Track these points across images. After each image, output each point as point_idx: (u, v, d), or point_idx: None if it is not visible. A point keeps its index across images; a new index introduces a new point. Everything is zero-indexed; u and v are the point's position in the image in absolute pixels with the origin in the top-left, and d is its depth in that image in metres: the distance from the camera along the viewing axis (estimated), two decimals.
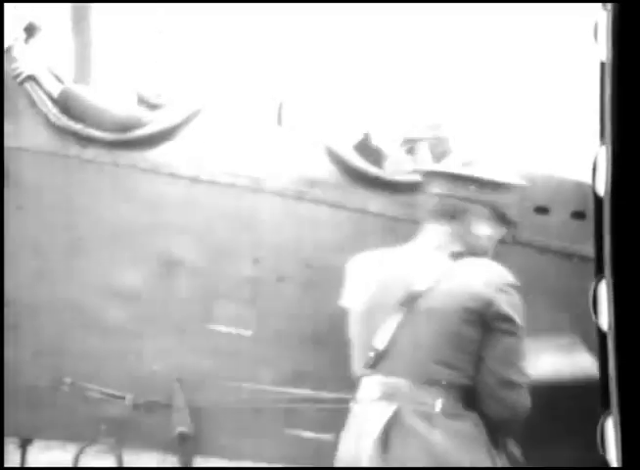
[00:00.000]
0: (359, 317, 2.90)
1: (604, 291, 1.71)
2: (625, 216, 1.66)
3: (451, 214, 2.85)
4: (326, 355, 3.56)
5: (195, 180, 3.65)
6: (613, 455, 1.63)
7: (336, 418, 3.40)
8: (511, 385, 2.66)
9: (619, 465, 1.61)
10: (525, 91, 3.92)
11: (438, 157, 3.81)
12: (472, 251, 2.88)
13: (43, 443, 3.84)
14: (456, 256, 2.84)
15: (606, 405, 1.66)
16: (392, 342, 2.79)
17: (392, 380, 2.78)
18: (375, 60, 3.98)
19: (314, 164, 3.66)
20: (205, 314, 3.69)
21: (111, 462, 3.74)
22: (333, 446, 3.62)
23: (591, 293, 1.76)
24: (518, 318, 2.69)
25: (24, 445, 3.84)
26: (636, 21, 1.60)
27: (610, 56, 1.63)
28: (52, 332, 3.74)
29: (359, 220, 3.63)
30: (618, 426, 1.62)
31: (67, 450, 3.78)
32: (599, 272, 1.73)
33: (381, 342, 2.80)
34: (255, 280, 3.65)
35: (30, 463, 3.82)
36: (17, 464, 3.81)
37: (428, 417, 2.69)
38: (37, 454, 3.83)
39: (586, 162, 1.79)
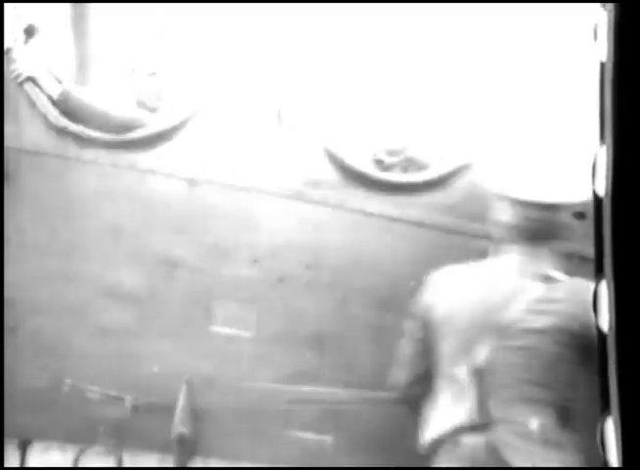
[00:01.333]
0: (446, 334, 2.83)
1: (604, 291, 1.71)
2: (626, 217, 1.66)
3: (543, 236, 2.81)
4: (325, 357, 3.57)
5: (194, 181, 3.65)
6: (613, 455, 1.63)
7: (335, 419, 3.41)
8: None
9: (619, 465, 1.61)
10: (524, 91, 3.91)
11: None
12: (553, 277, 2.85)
13: (43, 444, 3.83)
14: (548, 279, 2.81)
15: (606, 406, 1.66)
16: (487, 362, 2.76)
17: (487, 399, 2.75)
18: (374, 60, 3.98)
19: (313, 165, 3.66)
20: (205, 315, 3.69)
21: (110, 463, 3.73)
22: (333, 447, 3.63)
23: (591, 293, 1.76)
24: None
25: (24, 446, 3.83)
26: (636, 21, 1.60)
27: (609, 56, 1.63)
28: (51, 333, 3.74)
29: (358, 221, 3.63)
30: (619, 426, 1.62)
31: (66, 452, 3.78)
32: (599, 272, 1.73)
33: (476, 362, 2.76)
34: (255, 281, 3.65)
35: (30, 464, 3.82)
36: (16, 465, 3.80)
37: (526, 436, 2.68)
38: (37, 456, 3.83)
39: (586, 162, 1.79)
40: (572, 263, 3.58)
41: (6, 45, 3.62)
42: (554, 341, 2.70)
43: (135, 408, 3.73)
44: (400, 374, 2.90)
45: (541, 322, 2.70)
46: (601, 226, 1.71)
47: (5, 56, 3.63)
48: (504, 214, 2.82)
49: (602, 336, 1.71)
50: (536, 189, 2.71)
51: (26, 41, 3.72)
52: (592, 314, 2.65)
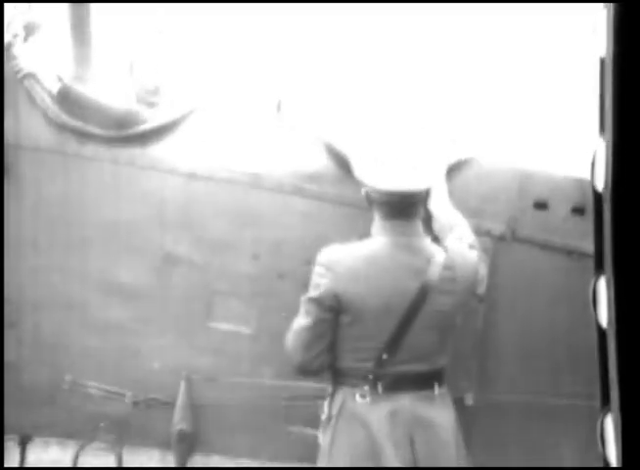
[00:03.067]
0: (363, 315, 2.95)
1: (604, 287, 1.70)
2: (625, 212, 1.65)
3: (416, 209, 3.03)
4: None
5: (193, 176, 3.64)
6: (612, 454, 1.63)
7: None
8: None
9: (619, 465, 1.61)
10: (524, 87, 3.91)
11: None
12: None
13: (43, 440, 3.83)
14: (435, 240, 3.11)
15: (606, 403, 1.66)
16: (402, 341, 2.94)
17: (398, 374, 2.96)
18: (374, 56, 3.97)
19: (313, 160, 3.66)
20: (205, 311, 3.69)
21: (110, 460, 3.74)
22: None
23: (591, 289, 1.76)
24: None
25: (24, 442, 3.84)
26: (636, 17, 1.60)
27: (609, 52, 1.63)
28: (51, 329, 3.75)
29: (358, 216, 3.62)
30: (619, 424, 1.62)
31: (66, 448, 3.78)
32: (599, 268, 1.73)
33: (391, 338, 2.94)
34: (255, 277, 3.65)
35: (30, 461, 3.82)
36: (16, 462, 3.81)
37: (431, 399, 3.01)
38: (37, 452, 3.83)
39: (585, 157, 1.79)
40: (572, 259, 3.59)
41: (6, 42, 3.62)
42: (454, 312, 3.05)
43: (135, 405, 3.73)
44: (302, 353, 2.97)
45: (447, 296, 2.98)
46: (600, 222, 1.71)
47: (5, 52, 3.62)
48: (377, 199, 3.01)
49: (602, 332, 1.71)
50: (392, 180, 2.94)
51: (26, 38, 3.72)
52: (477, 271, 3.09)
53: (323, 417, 3.10)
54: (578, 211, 3.59)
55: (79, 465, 3.74)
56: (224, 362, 3.65)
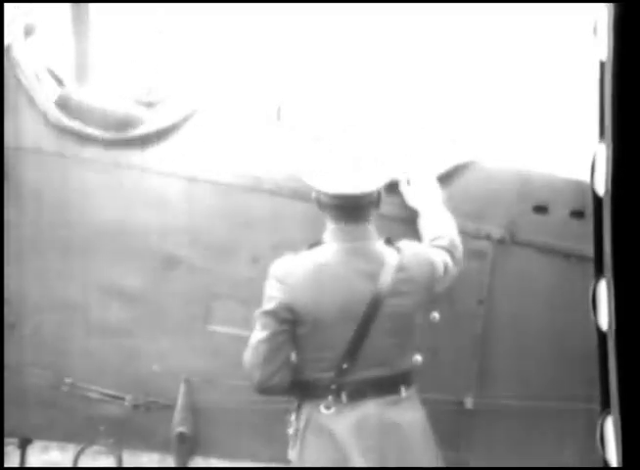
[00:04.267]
0: (319, 324, 2.93)
1: (603, 290, 1.71)
2: (625, 215, 1.66)
3: (367, 211, 3.03)
4: None
5: (193, 179, 3.64)
6: (612, 455, 1.63)
7: None
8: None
9: (619, 465, 1.61)
10: (524, 90, 3.91)
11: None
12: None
13: (43, 443, 3.83)
14: (388, 242, 3.07)
15: (606, 405, 1.66)
16: (361, 348, 2.92)
17: (361, 381, 2.94)
18: (374, 57, 3.98)
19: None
20: (205, 314, 3.69)
21: (110, 462, 3.74)
22: None
23: (591, 292, 1.76)
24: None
25: (24, 445, 3.83)
26: (636, 19, 1.60)
27: (609, 54, 1.63)
28: (51, 332, 3.74)
29: None
30: (619, 426, 1.62)
31: (66, 451, 3.78)
32: (598, 272, 1.73)
33: (350, 346, 2.92)
34: (255, 280, 3.64)
35: (30, 463, 3.82)
36: (16, 464, 3.80)
37: (397, 403, 2.98)
38: (37, 455, 3.83)
39: (585, 160, 1.79)
40: (571, 263, 3.59)
41: (6, 43, 3.62)
42: (412, 312, 3.04)
43: (135, 407, 3.73)
44: (260, 368, 2.94)
45: (403, 298, 2.96)
46: (600, 225, 1.71)
47: (5, 54, 3.62)
48: (327, 203, 3.02)
49: (601, 334, 1.71)
50: (338, 183, 2.95)
51: (26, 39, 3.72)
52: (433, 272, 3.05)
53: (290, 432, 3.08)
54: (578, 214, 3.59)
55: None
56: (224, 365, 3.65)
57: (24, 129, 3.64)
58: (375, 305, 2.91)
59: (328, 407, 2.95)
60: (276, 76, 3.86)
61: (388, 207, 3.33)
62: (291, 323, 2.94)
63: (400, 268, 2.97)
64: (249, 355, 2.98)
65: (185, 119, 3.67)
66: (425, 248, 3.18)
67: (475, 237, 3.55)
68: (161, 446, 3.74)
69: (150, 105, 3.76)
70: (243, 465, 3.75)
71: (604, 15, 1.64)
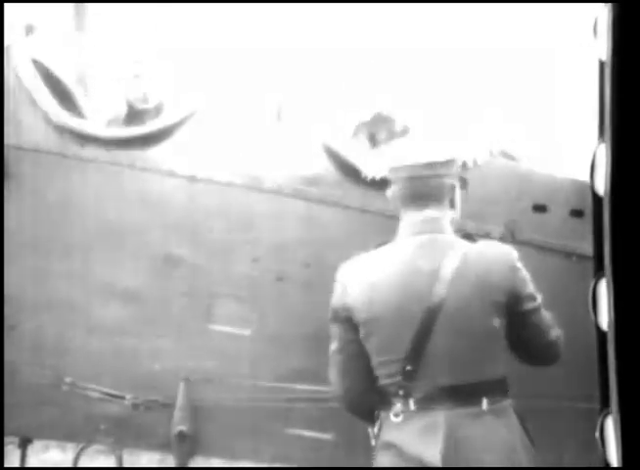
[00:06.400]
0: (377, 325, 2.72)
1: (603, 289, 1.71)
2: (625, 214, 1.66)
3: (440, 195, 2.76)
4: (325, 355, 3.56)
5: (193, 179, 3.65)
6: (613, 455, 1.63)
7: (335, 417, 3.40)
8: (552, 345, 2.76)
9: (619, 465, 1.62)
10: (524, 89, 3.92)
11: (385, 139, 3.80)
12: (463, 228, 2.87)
13: (43, 442, 3.83)
14: (468, 237, 2.80)
15: (606, 405, 1.66)
16: (425, 349, 2.68)
17: (432, 388, 2.67)
18: (373, 56, 3.98)
19: (313, 163, 3.66)
20: (205, 314, 3.69)
21: (110, 462, 3.74)
22: (333, 446, 3.63)
23: (590, 291, 1.76)
24: (533, 289, 2.73)
25: (24, 444, 3.84)
26: (636, 19, 1.61)
27: (609, 54, 1.63)
28: (52, 331, 3.75)
29: (358, 219, 3.63)
30: (618, 425, 1.62)
31: (66, 450, 3.78)
32: (598, 271, 1.73)
33: (413, 350, 2.67)
34: (255, 279, 3.65)
35: (30, 463, 3.82)
36: (16, 464, 3.80)
37: (477, 416, 2.65)
38: (37, 454, 3.83)
39: (585, 160, 1.79)
40: (571, 261, 3.60)
41: (6, 43, 3.62)
42: (483, 315, 2.68)
43: (135, 406, 3.73)
44: (341, 382, 2.77)
45: (470, 298, 2.67)
46: (600, 224, 1.71)
47: (5, 54, 3.63)
48: (396, 188, 2.78)
49: (601, 334, 1.72)
50: (410, 155, 2.74)
51: (26, 39, 3.72)
52: (509, 278, 2.67)
53: (372, 443, 2.83)
54: (577, 213, 3.60)
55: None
56: (224, 364, 3.65)
57: (25, 129, 3.65)
58: (436, 305, 2.68)
59: (397, 415, 2.71)
60: (275, 75, 3.86)
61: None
62: (354, 327, 2.74)
63: (468, 267, 2.69)
64: (330, 373, 2.81)
65: (185, 119, 3.68)
66: (509, 251, 2.82)
67: (475, 236, 3.55)
68: (162, 445, 3.74)
69: (143, 112, 3.78)
70: (243, 465, 3.75)
71: (604, 15, 1.64)
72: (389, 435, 2.72)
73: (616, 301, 1.66)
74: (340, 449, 3.62)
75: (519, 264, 2.73)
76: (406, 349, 2.67)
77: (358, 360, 2.74)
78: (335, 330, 2.77)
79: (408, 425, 2.68)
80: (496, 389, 2.72)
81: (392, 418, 2.71)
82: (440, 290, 2.68)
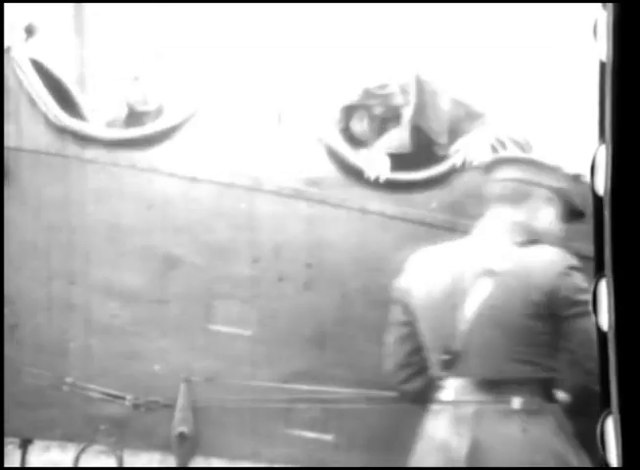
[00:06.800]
0: (424, 312, 2.85)
1: (604, 290, 1.71)
2: (625, 215, 1.66)
3: (518, 199, 2.88)
4: (326, 355, 3.57)
5: (194, 180, 3.65)
6: (612, 455, 1.63)
7: (336, 418, 3.40)
8: None
9: (619, 465, 1.62)
10: (524, 89, 3.91)
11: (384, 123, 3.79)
12: (538, 237, 2.89)
13: (43, 442, 3.83)
14: (521, 244, 2.86)
15: (606, 405, 1.66)
16: (465, 342, 2.76)
17: (468, 381, 2.75)
18: (376, 55, 3.98)
19: (314, 163, 3.66)
20: (206, 314, 3.69)
21: (111, 462, 3.74)
22: (333, 446, 3.63)
23: (591, 292, 1.76)
24: (586, 297, 2.67)
25: (25, 445, 3.83)
26: (636, 20, 1.60)
27: (609, 55, 1.63)
28: (52, 332, 3.74)
29: (359, 219, 3.62)
30: (618, 426, 1.62)
31: (67, 450, 3.78)
32: (599, 271, 1.73)
33: (452, 340, 2.77)
34: (255, 280, 3.65)
35: (31, 463, 3.82)
36: (17, 464, 3.80)
37: (507, 415, 2.68)
38: (37, 454, 3.83)
39: (585, 160, 1.79)
40: None
41: (6, 44, 3.62)
42: (524, 314, 2.72)
43: (136, 407, 3.73)
44: (387, 361, 2.91)
45: (509, 297, 2.74)
46: (601, 225, 1.72)
47: (5, 55, 3.63)
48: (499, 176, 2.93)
49: (602, 334, 1.72)
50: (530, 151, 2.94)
51: (27, 40, 3.72)
52: (553, 280, 2.72)
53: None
54: (577, 213, 3.59)
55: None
56: (224, 365, 3.65)
57: (25, 130, 3.65)
58: (478, 296, 2.77)
59: (434, 403, 2.82)
60: (276, 75, 3.86)
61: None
62: (408, 310, 2.87)
63: (517, 267, 2.78)
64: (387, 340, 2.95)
65: (186, 120, 3.68)
66: (560, 256, 2.87)
67: None
68: (162, 446, 3.74)
69: (143, 114, 3.78)
70: (243, 465, 3.75)
71: (604, 15, 1.64)
72: (428, 423, 2.83)
73: (616, 301, 1.66)
74: (340, 450, 3.62)
75: (570, 270, 2.76)
76: (443, 337, 2.78)
77: (405, 344, 2.90)
78: (392, 312, 2.92)
79: (439, 414, 2.78)
80: (533, 390, 2.73)
81: (432, 406, 2.81)
82: (487, 286, 2.76)
